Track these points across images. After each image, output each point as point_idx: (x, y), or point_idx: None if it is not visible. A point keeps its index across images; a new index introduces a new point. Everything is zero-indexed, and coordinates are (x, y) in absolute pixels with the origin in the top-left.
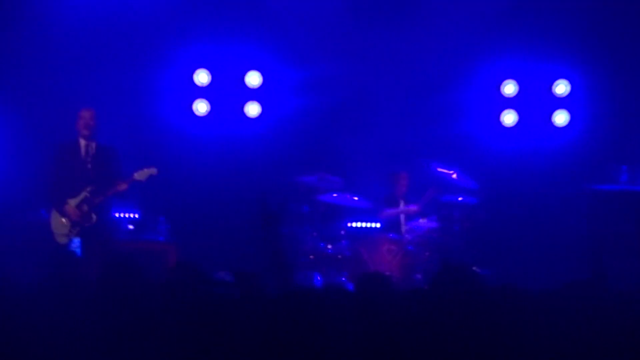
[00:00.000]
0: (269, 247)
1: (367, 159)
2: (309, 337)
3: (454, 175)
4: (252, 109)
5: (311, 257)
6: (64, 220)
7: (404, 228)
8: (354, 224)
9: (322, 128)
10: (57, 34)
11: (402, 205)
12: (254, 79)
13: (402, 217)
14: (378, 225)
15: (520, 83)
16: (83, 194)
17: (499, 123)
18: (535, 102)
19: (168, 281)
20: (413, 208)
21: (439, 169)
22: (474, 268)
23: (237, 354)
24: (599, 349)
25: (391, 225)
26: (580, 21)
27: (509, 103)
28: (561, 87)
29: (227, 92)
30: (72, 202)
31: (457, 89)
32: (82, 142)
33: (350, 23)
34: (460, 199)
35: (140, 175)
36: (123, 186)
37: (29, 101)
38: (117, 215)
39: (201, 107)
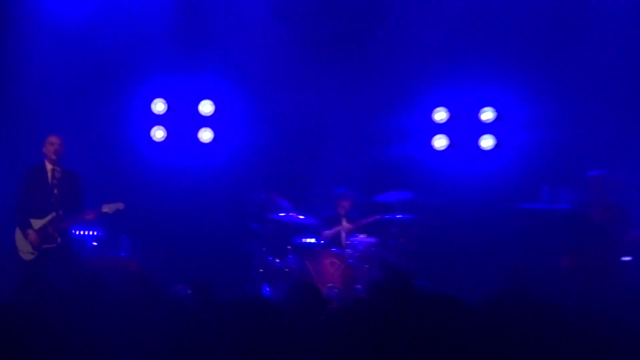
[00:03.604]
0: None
1: (314, 182)
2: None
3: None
4: (205, 135)
5: (261, 270)
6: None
7: (344, 243)
8: (301, 240)
9: (272, 153)
10: (26, 63)
11: (343, 224)
12: (206, 107)
13: (343, 233)
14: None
15: (450, 110)
16: (49, 217)
17: (431, 147)
18: (464, 128)
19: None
20: (348, 226)
21: (378, 198)
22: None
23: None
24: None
25: (333, 240)
26: (504, 53)
27: (440, 129)
28: (487, 114)
29: (182, 120)
30: (36, 224)
31: (394, 117)
32: (49, 166)
33: (300, 56)
34: (398, 216)
35: (109, 208)
36: (90, 216)
37: None
38: (81, 233)
39: (158, 133)
